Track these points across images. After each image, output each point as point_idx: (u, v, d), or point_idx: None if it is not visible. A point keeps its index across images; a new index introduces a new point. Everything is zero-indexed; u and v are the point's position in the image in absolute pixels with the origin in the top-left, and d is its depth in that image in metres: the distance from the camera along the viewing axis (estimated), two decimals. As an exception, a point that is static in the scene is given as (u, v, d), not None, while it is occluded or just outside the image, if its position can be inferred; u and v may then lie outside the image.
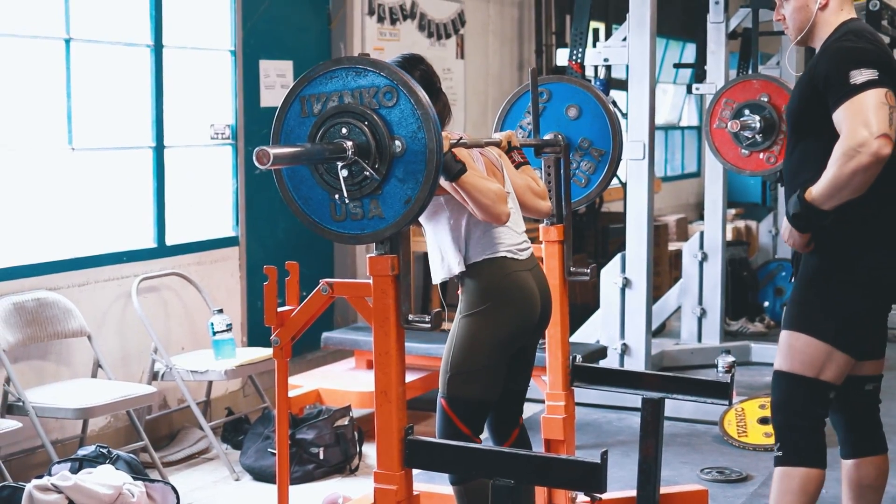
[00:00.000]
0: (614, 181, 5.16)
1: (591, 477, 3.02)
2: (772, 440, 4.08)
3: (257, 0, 6.70)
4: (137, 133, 5.92)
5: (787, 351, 3.60)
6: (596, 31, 9.84)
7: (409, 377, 4.21)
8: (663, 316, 8.11)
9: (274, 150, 2.80)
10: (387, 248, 3.09)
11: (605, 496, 3.84)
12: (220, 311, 5.70)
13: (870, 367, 3.76)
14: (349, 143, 2.98)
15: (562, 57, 9.22)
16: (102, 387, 5.17)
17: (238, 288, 6.44)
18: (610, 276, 6.58)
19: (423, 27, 8.14)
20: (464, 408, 3.66)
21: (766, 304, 8.95)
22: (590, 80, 7.17)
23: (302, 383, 5.95)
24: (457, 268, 3.70)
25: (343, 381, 6.01)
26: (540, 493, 4.24)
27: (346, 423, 5.46)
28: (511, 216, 3.65)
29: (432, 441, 3.26)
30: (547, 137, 4.41)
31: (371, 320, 3.14)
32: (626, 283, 6.49)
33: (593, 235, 9.29)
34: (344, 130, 3.00)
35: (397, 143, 2.97)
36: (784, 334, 3.63)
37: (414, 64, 3.71)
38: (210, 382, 5.92)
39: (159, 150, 5.98)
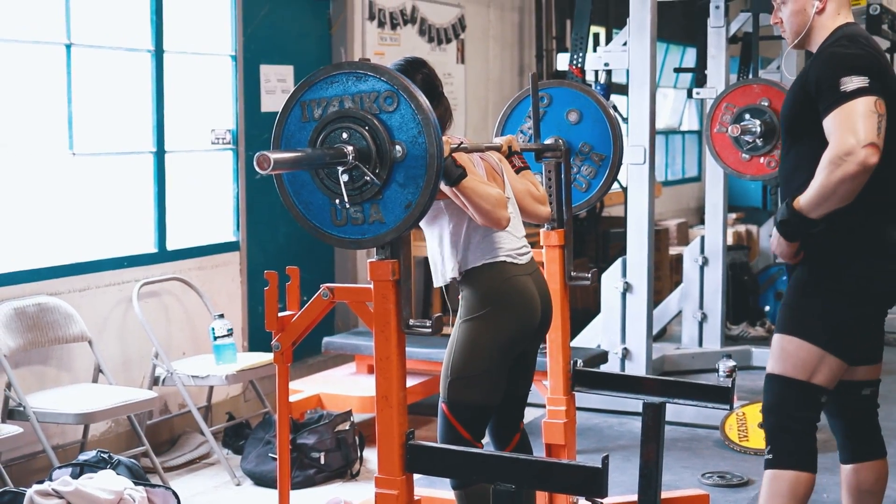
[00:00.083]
0: (615, 186, 5.15)
1: (593, 481, 3.01)
2: (773, 445, 4.07)
3: (258, 5, 6.71)
4: (138, 138, 5.92)
5: (779, 354, 3.60)
6: (596, 35, 9.84)
7: (410, 382, 4.21)
8: (664, 320, 8.10)
9: (274, 155, 2.80)
10: (387, 252, 3.10)
11: (606, 501, 3.84)
12: (221, 315, 5.70)
13: (866, 371, 3.76)
14: (350, 148, 2.98)
15: (562, 61, 9.21)
16: (103, 392, 5.17)
17: (239, 293, 6.44)
18: (611, 280, 6.57)
19: (424, 32, 8.15)
20: (465, 413, 3.66)
21: (767, 308, 8.94)
22: (590, 85, 7.18)
23: (303, 388, 5.95)
24: (455, 272, 3.70)
25: (344, 386, 6.01)
26: (541, 497, 4.24)
27: (347, 427, 5.46)
28: (511, 221, 3.65)
29: (433, 446, 3.26)
30: (547, 142, 4.41)
31: (372, 325, 3.14)
32: (627, 288, 6.49)
33: (594, 240, 9.29)
34: (344, 135, 3.00)
35: (398, 147, 2.97)
36: (777, 337, 3.63)
37: (416, 67, 3.71)
38: (211, 387, 5.92)
39: (160, 155, 5.98)
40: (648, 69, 6.30)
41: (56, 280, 5.35)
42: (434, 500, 4.55)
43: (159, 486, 4.71)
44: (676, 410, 5.73)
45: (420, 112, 2.95)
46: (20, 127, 5.35)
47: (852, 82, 3.37)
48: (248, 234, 6.54)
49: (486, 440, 3.82)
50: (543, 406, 4.48)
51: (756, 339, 8.38)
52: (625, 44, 6.51)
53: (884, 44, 8.89)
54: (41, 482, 4.42)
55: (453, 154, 3.46)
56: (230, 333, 5.65)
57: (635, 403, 4.57)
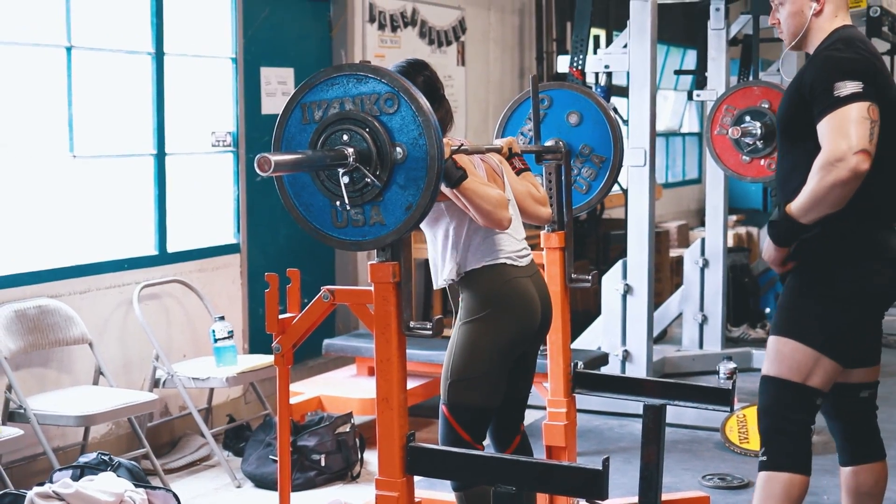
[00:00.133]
0: (615, 188, 5.15)
1: (593, 483, 3.01)
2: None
3: (258, 7, 6.71)
4: (139, 140, 5.93)
5: (774, 356, 3.60)
6: (597, 37, 9.84)
7: (411, 384, 4.21)
8: (665, 322, 8.10)
9: (275, 157, 2.80)
10: (388, 254, 3.10)
11: (606, 503, 3.83)
12: (222, 318, 5.70)
13: (864, 374, 3.75)
14: (350, 150, 2.98)
15: (563, 64, 9.20)
16: (104, 394, 5.17)
17: (239, 295, 6.44)
18: (611, 282, 6.57)
19: (424, 34, 8.15)
20: (465, 415, 3.66)
21: (768, 310, 8.94)
22: (591, 87, 7.18)
23: (303, 390, 5.95)
24: (454, 274, 3.70)
25: (344, 388, 6.00)
26: (542, 499, 4.23)
27: (348, 429, 5.46)
28: (511, 223, 3.65)
29: (433, 448, 3.25)
30: (548, 144, 4.41)
31: (372, 327, 3.14)
32: (628, 290, 6.49)
33: (594, 242, 9.29)
34: (345, 137, 3.00)
35: (398, 149, 2.97)
36: (772, 339, 3.62)
37: (417, 70, 3.72)
38: (211, 389, 5.92)
39: (160, 157, 5.98)
40: (649, 71, 6.30)
41: (57, 282, 5.35)
42: (435, 503, 4.55)
43: (160, 488, 4.70)
44: (677, 412, 5.73)
45: (421, 114, 2.95)
46: (21, 129, 5.35)
47: (846, 87, 3.38)
48: (248, 237, 6.54)
49: (486, 442, 3.82)
50: (544, 408, 4.48)
51: (757, 341, 8.37)
52: (625, 46, 6.51)
53: (884, 46, 8.90)
54: (42, 484, 4.42)
55: (454, 156, 3.46)
56: (231, 335, 5.65)
57: (636, 405, 4.56)
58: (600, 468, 2.99)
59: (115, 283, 5.63)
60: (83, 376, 5.42)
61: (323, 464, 5.33)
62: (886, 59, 9.58)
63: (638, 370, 6.47)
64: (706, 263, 7.70)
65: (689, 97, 11.72)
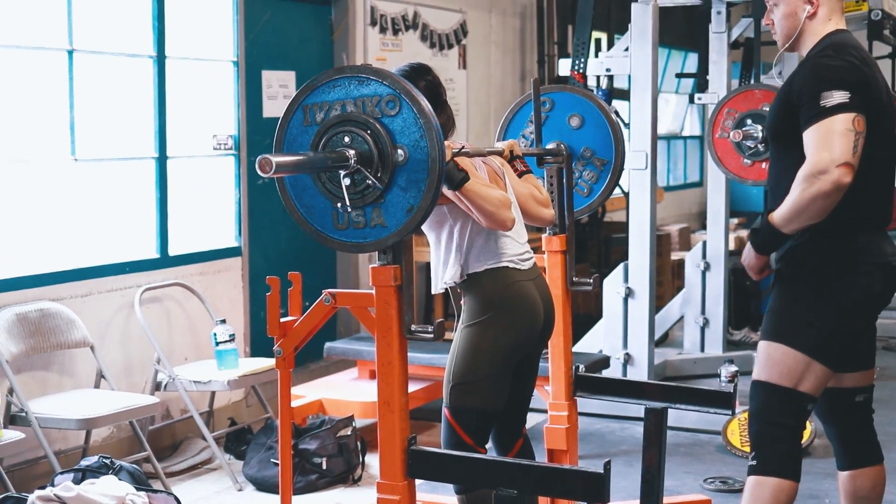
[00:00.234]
0: (617, 191, 5.15)
1: (594, 487, 3.01)
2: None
3: (260, 11, 6.71)
4: (140, 144, 5.93)
5: (765, 361, 3.58)
6: (598, 41, 9.84)
7: (412, 387, 4.21)
8: (666, 326, 8.10)
9: (276, 159, 2.80)
10: (389, 257, 3.10)
11: (608, 506, 3.84)
12: (223, 321, 5.70)
13: (858, 378, 3.74)
14: (352, 152, 2.98)
15: (564, 67, 9.23)
16: (105, 397, 5.17)
17: (241, 298, 6.44)
18: (612, 285, 6.57)
19: (426, 37, 8.16)
20: (467, 418, 3.66)
21: (769, 313, 8.92)
22: (592, 90, 7.18)
23: (305, 393, 5.95)
24: (457, 277, 3.69)
25: (346, 392, 6.00)
26: (543, 503, 4.23)
27: (349, 433, 5.46)
28: (514, 224, 3.65)
29: (435, 451, 3.25)
30: (549, 147, 4.41)
31: (374, 330, 3.14)
32: (629, 293, 6.49)
33: (596, 245, 9.29)
34: (346, 139, 3.00)
35: (400, 151, 2.97)
36: (762, 344, 3.61)
37: (420, 74, 3.72)
38: (213, 393, 5.92)
39: (162, 160, 5.98)
40: (650, 74, 6.30)
41: (58, 286, 5.35)
42: (436, 506, 4.55)
43: (161, 491, 4.70)
44: (678, 415, 5.73)
45: (422, 116, 2.95)
46: (22, 133, 5.35)
47: (833, 98, 3.37)
48: (250, 240, 6.54)
49: (488, 445, 3.82)
50: (545, 411, 4.48)
51: (758, 344, 8.36)
52: (626, 49, 6.51)
53: (885, 49, 8.91)
54: (43, 488, 4.42)
55: (455, 158, 3.46)
56: (232, 339, 5.64)
57: (637, 409, 4.57)
58: (602, 471, 2.99)
59: (116, 286, 5.63)
60: (84, 379, 5.41)
61: (324, 467, 5.32)
62: (887, 62, 9.59)
63: (639, 373, 6.47)
64: (707, 266, 7.69)
65: (691, 100, 11.70)
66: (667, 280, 9.53)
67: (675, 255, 10.01)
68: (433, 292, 3.84)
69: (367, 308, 3.38)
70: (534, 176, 4.04)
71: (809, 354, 3.50)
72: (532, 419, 4.82)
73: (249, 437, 5.75)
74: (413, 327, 3.11)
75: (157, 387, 5.58)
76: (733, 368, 6.20)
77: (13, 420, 4.89)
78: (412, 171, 2.96)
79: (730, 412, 4.18)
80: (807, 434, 5.60)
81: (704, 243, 7.77)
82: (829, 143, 3.34)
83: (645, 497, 3.86)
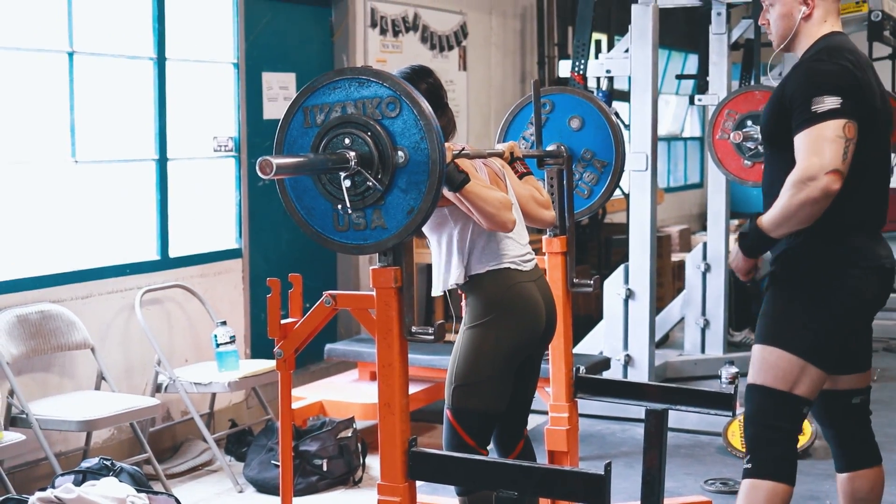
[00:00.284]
0: (617, 192, 5.15)
1: (595, 488, 3.01)
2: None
3: (260, 12, 6.71)
4: (141, 145, 5.93)
5: (760, 365, 3.57)
6: (598, 42, 9.85)
7: (413, 389, 4.21)
8: (666, 327, 8.10)
9: (277, 160, 2.80)
10: (390, 259, 3.10)
11: (608, 507, 3.84)
12: (224, 323, 5.70)
13: (854, 380, 3.73)
14: (352, 154, 2.98)
15: (564, 68, 9.23)
16: (106, 399, 5.17)
17: (241, 300, 6.44)
18: (613, 287, 6.57)
19: (426, 39, 8.16)
20: (469, 419, 3.66)
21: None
22: (592, 92, 7.18)
23: (305, 395, 5.95)
24: (460, 279, 3.70)
25: (346, 393, 6.00)
26: (544, 504, 4.24)
27: (350, 434, 5.46)
28: (515, 225, 3.65)
29: (435, 453, 3.25)
30: (550, 149, 4.41)
31: (374, 332, 3.14)
32: (630, 295, 6.49)
33: (596, 247, 9.29)
34: (347, 141, 3.00)
35: (400, 153, 2.97)
36: (757, 348, 3.60)
37: (421, 76, 3.72)
38: (213, 394, 5.92)
39: (162, 162, 5.98)
40: (650, 76, 6.31)
41: (59, 287, 5.35)
42: (437, 507, 4.55)
43: (162, 493, 4.71)
44: (679, 417, 5.72)
45: (422, 118, 2.95)
46: (23, 134, 5.36)
47: (824, 103, 3.36)
48: (250, 242, 6.54)
49: (490, 447, 3.82)
50: (546, 413, 4.48)
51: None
52: (627, 50, 6.51)
53: (885, 50, 8.90)
54: (44, 489, 4.42)
55: (455, 160, 3.46)
56: (232, 340, 5.65)
57: (638, 410, 4.57)
58: (602, 473, 2.99)
59: (117, 288, 5.63)
60: (85, 381, 5.41)
61: (325, 469, 5.32)
62: (888, 63, 9.59)
63: (640, 375, 6.47)
64: (708, 268, 7.69)
65: (691, 101, 11.72)
66: (667, 281, 9.53)
67: (675, 257, 10.01)
68: (433, 295, 3.84)
69: (367, 310, 3.38)
70: (534, 177, 4.04)
71: (804, 357, 3.49)
72: (533, 420, 4.81)
73: (250, 438, 5.75)
74: (413, 329, 3.11)
75: (157, 388, 5.58)
76: (734, 370, 6.19)
77: (14, 422, 4.89)
78: (412, 172, 2.96)
79: (730, 413, 4.18)
80: (807, 435, 5.60)
81: (705, 244, 7.77)
82: (819, 150, 3.34)
83: (646, 498, 3.86)
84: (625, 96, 7.10)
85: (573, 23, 8.16)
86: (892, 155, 4.53)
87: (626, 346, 6.54)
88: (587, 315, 8.09)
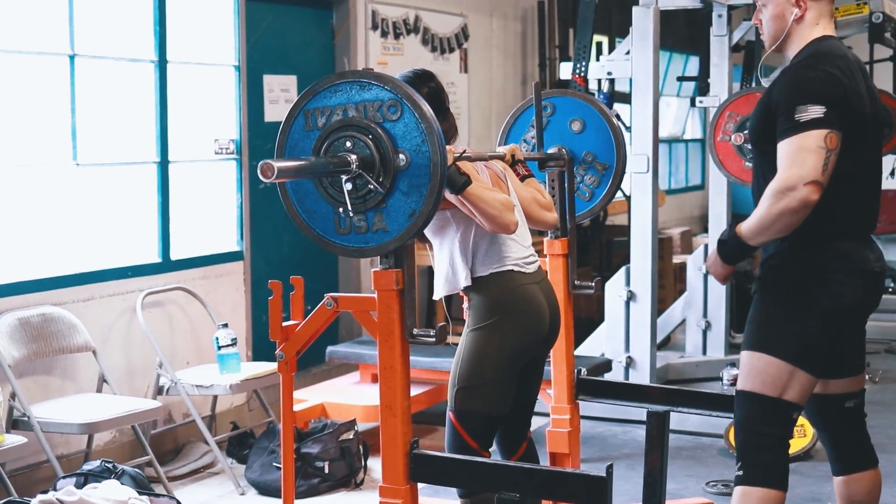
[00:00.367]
0: (618, 194, 5.16)
1: (597, 490, 3.01)
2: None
3: (261, 15, 6.72)
4: (142, 148, 5.93)
5: (749, 371, 3.54)
6: (599, 44, 9.85)
7: (414, 391, 4.21)
8: (668, 329, 8.09)
9: (278, 164, 2.81)
10: (391, 262, 3.10)
11: (610, 509, 3.84)
12: (225, 325, 5.70)
13: (847, 384, 3.72)
14: (353, 157, 2.98)
15: (565, 70, 9.23)
16: (107, 402, 5.17)
17: (243, 302, 6.44)
18: (614, 289, 6.57)
19: (427, 41, 8.16)
20: (472, 421, 3.66)
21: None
22: (593, 94, 7.19)
23: (307, 397, 5.95)
24: (464, 281, 3.70)
25: (348, 395, 6.00)
26: (545, 506, 4.24)
27: (352, 436, 5.46)
28: (518, 227, 3.65)
29: (437, 455, 3.26)
30: (551, 151, 4.41)
31: (376, 334, 3.14)
32: (631, 296, 6.49)
33: (598, 249, 9.29)
34: (348, 144, 3.01)
35: (401, 156, 2.97)
36: (745, 354, 3.57)
37: (423, 80, 3.72)
38: (215, 397, 5.92)
39: (164, 165, 5.99)
40: (651, 78, 6.31)
41: (60, 290, 5.35)
42: (438, 510, 4.55)
43: (163, 495, 4.71)
44: (680, 419, 5.71)
45: (423, 121, 2.95)
46: (24, 137, 5.36)
47: (808, 112, 3.34)
48: (251, 244, 6.55)
49: (493, 449, 3.82)
50: (547, 415, 4.48)
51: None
52: (628, 53, 6.51)
53: (886, 52, 8.90)
54: (45, 492, 4.42)
55: (457, 162, 3.47)
56: (234, 343, 5.65)
57: (639, 412, 4.56)
58: (604, 475, 2.99)
59: (118, 290, 5.64)
60: (87, 384, 5.42)
61: (326, 471, 5.32)
62: (888, 65, 9.58)
63: (641, 377, 6.46)
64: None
65: (692, 103, 11.69)
66: (668, 283, 9.52)
67: (676, 259, 10.00)
68: (434, 298, 3.84)
69: (369, 312, 3.38)
70: (536, 180, 4.04)
71: (793, 363, 3.47)
72: (534, 422, 4.80)
73: (252, 441, 5.75)
74: (415, 331, 3.11)
75: (159, 391, 5.58)
76: (735, 371, 6.18)
77: (15, 424, 4.89)
78: (414, 175, 2.96)
79: (732, 415, 4.17)
80: (809, 437, 5.59)
81: (706, 246, 7.77)
82: (800, 160, 3.32)
83: (647, 500, 3.86)
84: (626, 98, 7.11)
85: (574, 25, 8.16)
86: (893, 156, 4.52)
87: (627, 348, 6.54)
88: (588, 317, 8.09)
